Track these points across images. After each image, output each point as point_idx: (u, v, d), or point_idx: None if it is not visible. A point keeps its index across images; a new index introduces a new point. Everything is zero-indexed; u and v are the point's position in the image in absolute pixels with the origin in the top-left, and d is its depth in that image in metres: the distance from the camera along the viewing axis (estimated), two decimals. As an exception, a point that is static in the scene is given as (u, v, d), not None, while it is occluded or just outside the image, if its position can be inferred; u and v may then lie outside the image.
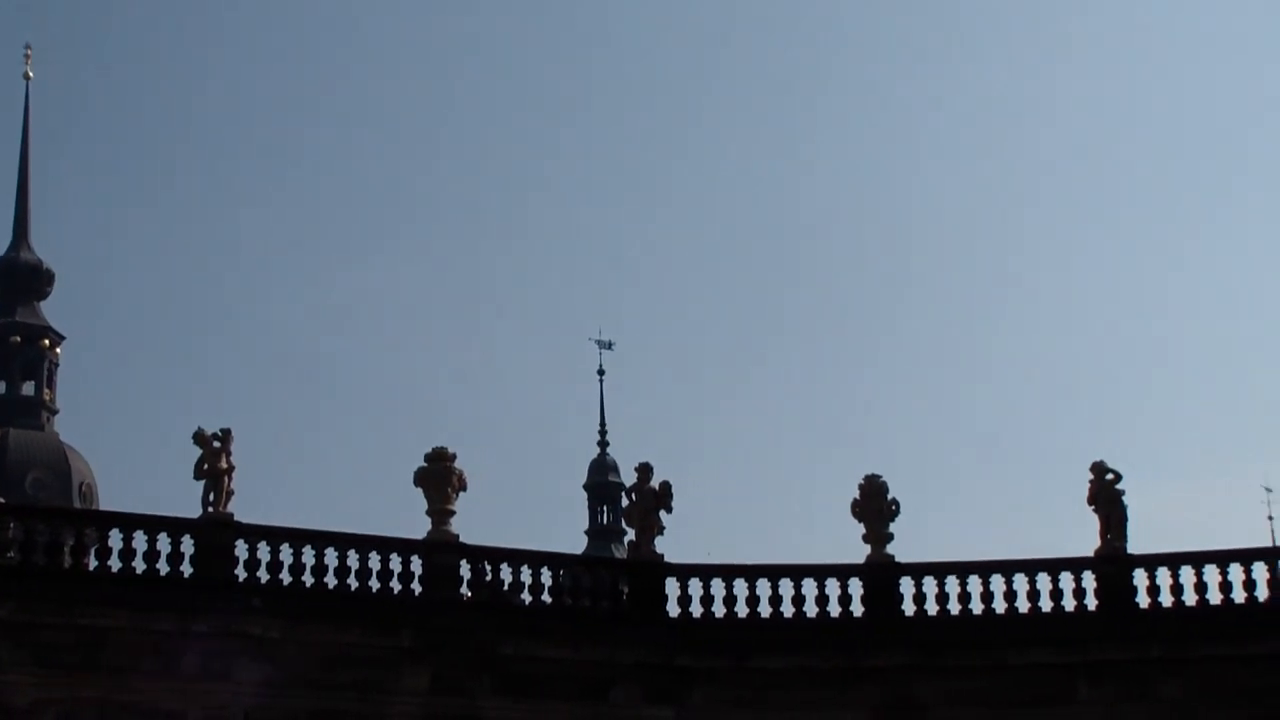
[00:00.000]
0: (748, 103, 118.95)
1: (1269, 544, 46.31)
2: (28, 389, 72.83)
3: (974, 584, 35.56)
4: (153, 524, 32.38)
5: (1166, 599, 35.27)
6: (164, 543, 32.25)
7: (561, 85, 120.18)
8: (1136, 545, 35.67)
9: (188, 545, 32.35)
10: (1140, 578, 35.37)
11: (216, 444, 32.95)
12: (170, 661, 31.31)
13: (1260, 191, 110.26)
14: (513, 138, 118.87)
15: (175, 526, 32.45)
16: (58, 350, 73.93)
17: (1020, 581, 35.50)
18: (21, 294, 73.51)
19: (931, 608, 35.52)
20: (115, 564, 31.98)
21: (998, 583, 35.55)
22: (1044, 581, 35.54)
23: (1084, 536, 36.07)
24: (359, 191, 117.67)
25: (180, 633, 31.40)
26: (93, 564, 32.28)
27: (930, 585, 35.63)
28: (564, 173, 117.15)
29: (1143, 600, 35.31)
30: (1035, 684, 34.46)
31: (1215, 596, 35.15)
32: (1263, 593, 35.12)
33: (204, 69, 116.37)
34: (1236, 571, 35.17)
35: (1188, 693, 34.12)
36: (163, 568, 32.14)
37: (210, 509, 32.72)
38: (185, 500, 32.98)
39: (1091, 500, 35.90)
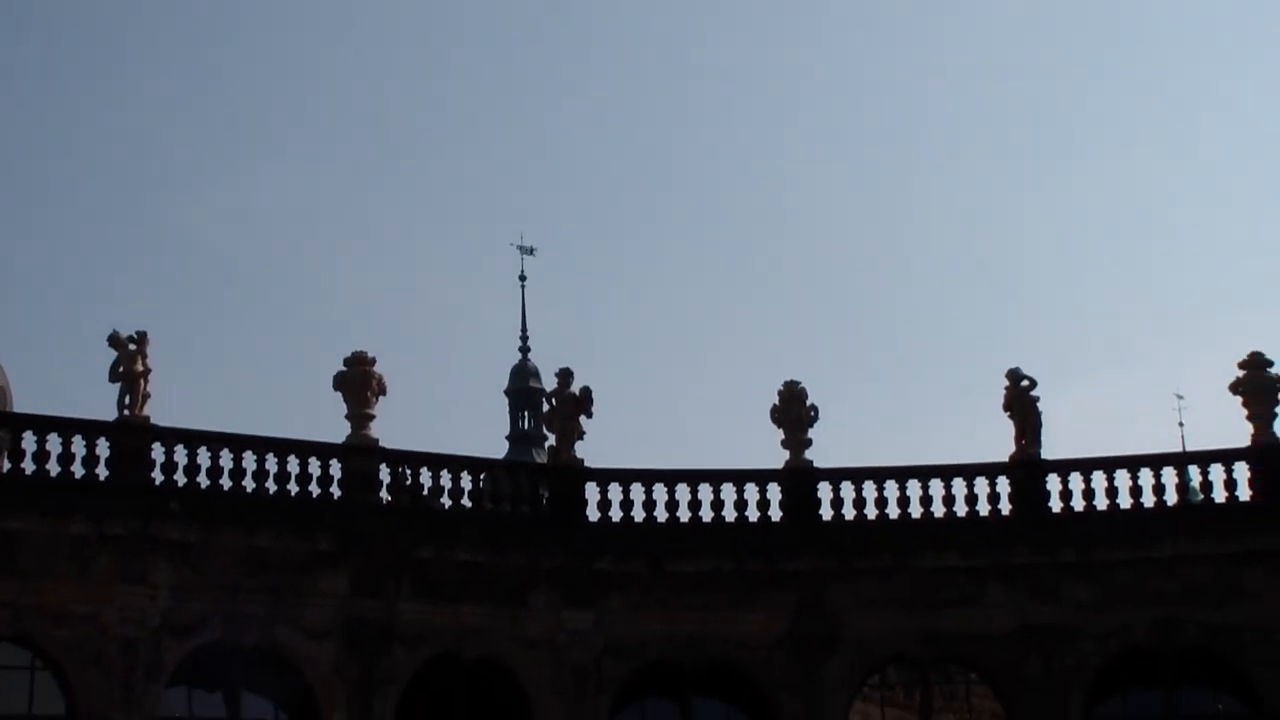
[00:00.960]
0: (668, 3, 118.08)
1: (1179, 449, 47.16)
2: (-62, 291, 71.73)
3: (890, 489, 35.96)
4: (67, 426, 32.03)
5: (1079, 503, 35.81)
6: (79, 446, 31.94)
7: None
8: (1050, 450, 36.27)
9: (103, 448, 32.05)
10: (1053, 483, 35.90)
11: (132, 347, 32.62)
12: (85, 565, 31.12)
13: (1162, 80, 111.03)
14: (432, 34, 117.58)
15: (90, 429, 32.13)
16: (-31, 251, 72.77)
17: (936, 487, 35.93)
18: (-69, 196, 72.17)
19: (849, 512, 35.89)
20: (29, 466, 31.63)
21: (914, 488, 35.96)
22: (959, 487, 36.01)
23: (1000, 441, 36.67)
24: (275, 92, 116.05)
25: (95, 536, 31.20)
26: (6, 467, 31.99)
27: (847, 490, 35.99)
28: (485, 78, 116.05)
29: (1055, 505, 35.83)
30: (948, 586, 35.01)
31: (1126, 501, 35.74)
32: (1171, 497, 35.78)
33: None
34: (1147, 476, 35.76)
35: (1096, 595, 34.79)
36: (78, 471, 31.85)
37: (126, 412, 32.43)
38: (101, 403, 32.66)
39: (1007, 406, 36.32)
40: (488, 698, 34.03)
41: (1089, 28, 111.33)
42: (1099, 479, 35.84)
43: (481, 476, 35.39)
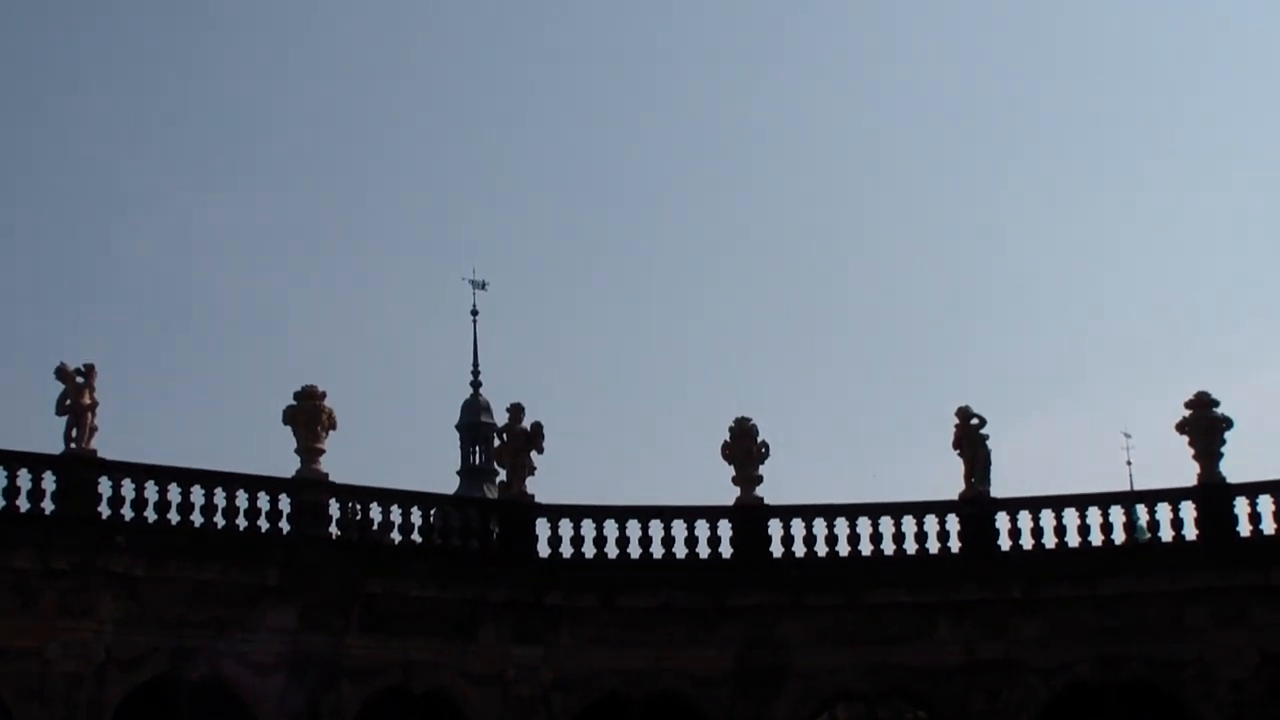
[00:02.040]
0: (619, 30, 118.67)
1: (1126, 488, 47.55)
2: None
3: (841, 526, 36.09)
4: (13, 459, 31.77)
5: (1027, 541, 36.04)
6: (25, 479, 31.68)
7: (434, 10, 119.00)
8: (999, 487, 36.50)
9: (49, 481, 31.80)
10: (1002, 520, 36.13)
11: (79, 379, 32.45)
12: (29, 599, 30.85)
13: (1113, 120, 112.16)
14: (383, 66, 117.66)
15: (36, 462, 31.89)
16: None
17: (886, 524, 36.08)
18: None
19: (799, 549, 36.01)
20: (-27, 500, 31.38)
21: (864, 525, 36.10)
22: (909, 524, 36.17)
23: (950, 479, 36.88)
24: (223, 118, 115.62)
25: (40, 570, 30.94)
26: (-50, 500, 31.65)
27: (798, 527, 36.12)
28: (438, 110, 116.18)
29: (1004, 542, 36.05)
30: (897, 622, 35.16)
31: (1074, 539, 36.00)
32: (1119, 535, 36.04)
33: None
34: (1094, 515, 36.04)
35: (1043, 631, 35.00)
36: (23, 504, 31.58)
37: (73, 445, 32.23)
38: (47, 436, 32.42)
39: (956, 444, 36.56)
40: (436, 733, 33.89)
41: (1036, 62, 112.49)
42: (1047, 517, 36.08)
43: (432, 511, 35.34)
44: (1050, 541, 35.95)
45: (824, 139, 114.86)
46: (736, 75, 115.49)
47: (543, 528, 35.64)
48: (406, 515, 34.73)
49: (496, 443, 37.23)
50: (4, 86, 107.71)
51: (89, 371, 32.55)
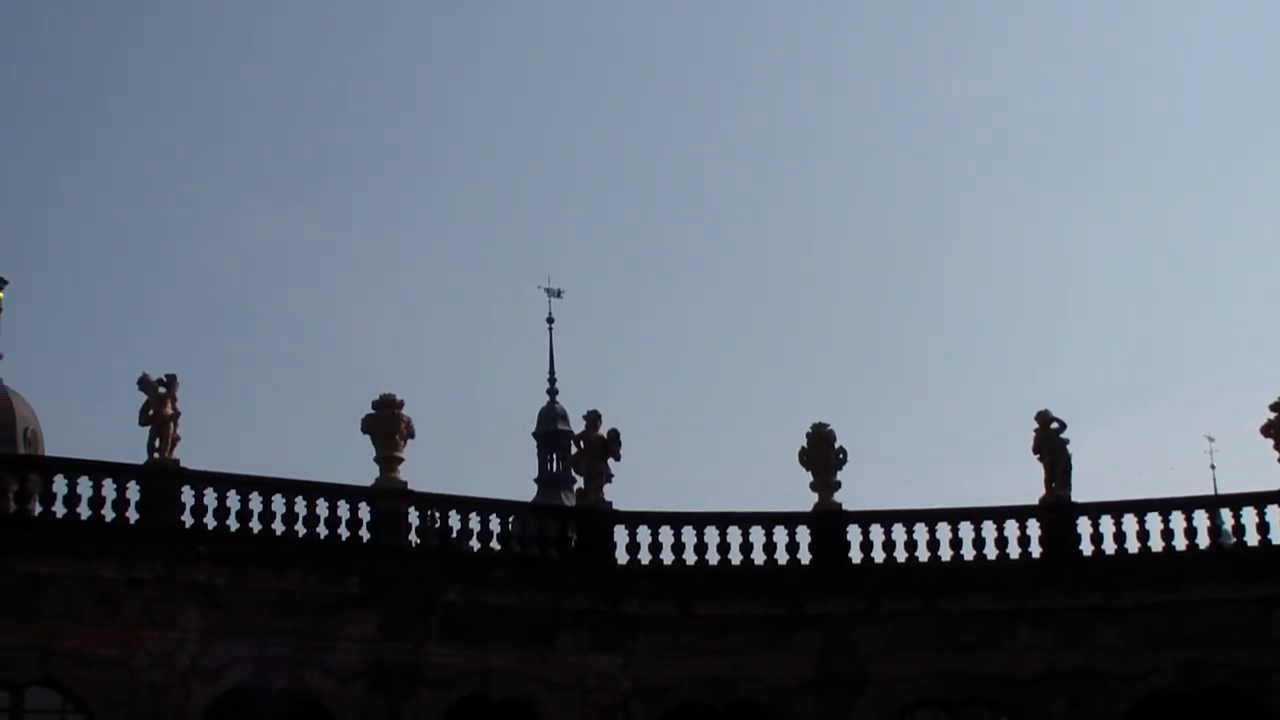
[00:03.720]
0: (692, 41, 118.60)
1: (1210, 492, 46.99)
2: (-30, 335, 71.89)
3: (920, 532, 35.87)
4: (97, 470, 32.17)
5: (1109, 546, 35.67)
6: (109, 489, 32.06)
7: (508, 19, 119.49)
8: (1080, 492, 36.13)
9: (133, 491, 32.15)
10: (1084, 525, 35.77)
11: (161, 390, 32.78)
12: (114, 609, 31.19)
13: (1196, 119, 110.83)
14: (457, 75, 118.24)
15: (120, 472, 32.26)
16: (0, 295, 73.09)
17: (966, 529, 35.84)
18: (-37, 240, 72.57)
19: (878, 555, 35.80)
20: (59, 510, 31.75)
21: (943, 531, 35.89)
22: (989, 529, 35.90)
23: (1030, 484, 36.59)
24: (302, 133, 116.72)
25: (124, 579, 31.27)
26: (37, 510, 32.04)
27: (877, 533, 35.92)
28: (512, 118, 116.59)
29: (1086, 548, 35.69)
30: (976, 629, 34.87)
31: (1157, 544, 35.58)
32: (1203, 540, 35.57)
33: (137, 17, 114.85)
34: (1178, 519, 35.61)
35: (1125, 638, 34.61)
36: (107, 514, 31.95)
37: (156, 455, 32.55)
38: (131, 446, 32.77)
39: (1036, 449, 36.23)
40: (515, 741, 33.96)
41: (1116, 58, 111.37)
42: (1130, 521, 35.69)
43: (510, 519, 35.38)
44: (1133, 547, 35.55)
45: (898, 146, 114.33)
46: (814, 82, 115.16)
47: (620, 535, 35.63)
48: (485, 523, 34.82)
49: (573, 450, 37.28)
50: (81, 110, 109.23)
51: (171, 382, 32.86)
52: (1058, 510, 35.77)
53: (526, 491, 77.39)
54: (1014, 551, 35.73)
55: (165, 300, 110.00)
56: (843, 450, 36.23)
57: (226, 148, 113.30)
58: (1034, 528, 35.84)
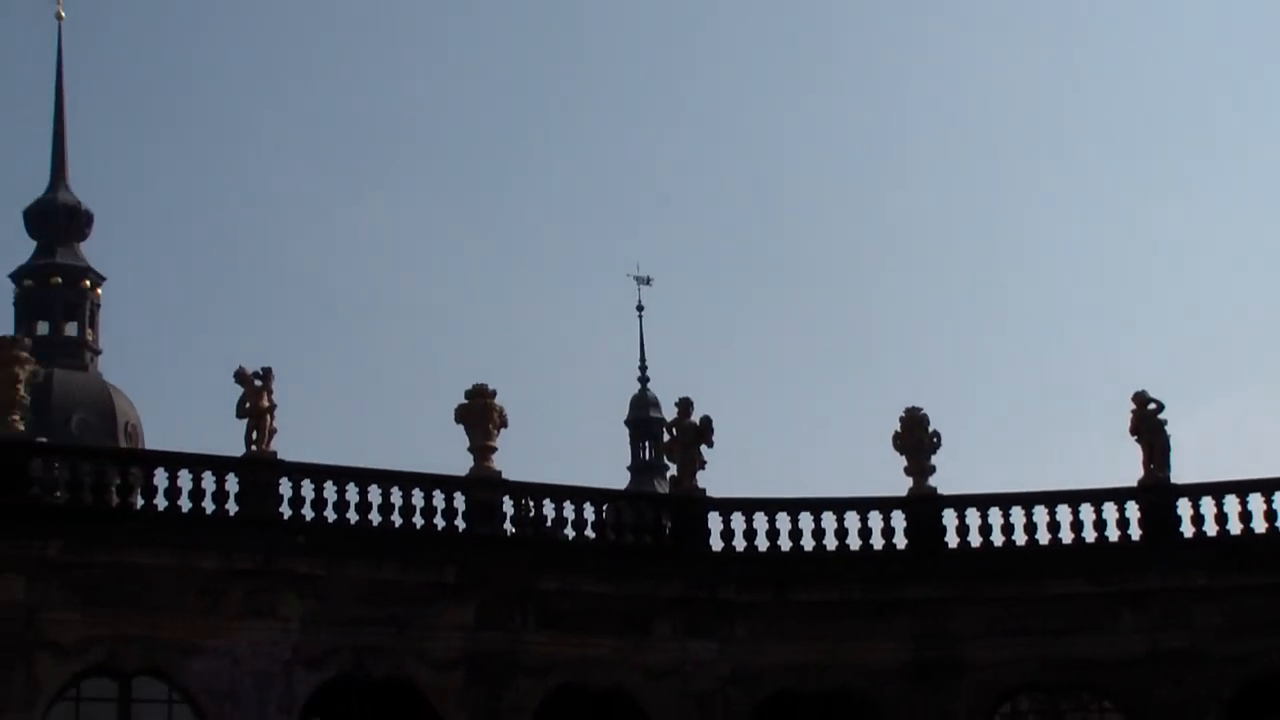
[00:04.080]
0: (781, 31, 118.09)
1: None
2: (70, 330, 73.06)
3: (1017, 515, 35.57)
4: (197, 463, 32.54)
5: (1211, 528, 35.20)
6: (209, 481, 32.40)
7: (598, 10, 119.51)
8: (1179, 473, 35.67)
9: (232, 484, 32.47)
10: (1184, 507, 35.31)
11: (258, 382, 33.05)
12: (216, 599, 31.57)
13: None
14: (546, 65, 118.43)
15: (219, 465, 32.60)
16: (99, 291, 74.10)
17: (1063, 512, 35.49)
18: (61, 235, 73.49)
19: (974, 539, 35.55)
20: (161, 503, 32.15)
21: (1040, 514, 35.56)
22: (1087, 512, 35.53)
23: (1128, 466, 36.15)
24: (386, 123, 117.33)
25: (225, 570, 31.65)
26: (138, 503, 32.53)
27: (973, 517, 35.65)
28: (601, 107, 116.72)
29: (1187, 529, 35.25)
30: (1076, 613, 34.54)
31: (1259, 525, 35.06)
32: (1308, 520, 35.02)
33: (231, 16, 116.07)
34: (1281, 500, 35.08)
35: (1229, 620, 34.14)
36: (208, 506, 32.28)
37: (253, 447, 32.87)
38: (229, 438, 33.10)
39: (1134, 430, 35.81)
40: (614, 728, 34.03)
41: (1202, 53, 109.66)
42: (1231, 503, 35.20)
43: (604, 507, 35.40)
44: (1235, 528, 35.06)
45: (989, 130, 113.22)
46: (898, 70, 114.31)
47: (715, 522, 35.56)
48: (579, 511, 34.87)
49: (666, 438, 37.25)
50: (175, 109, 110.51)
51: (266, 375, 33.11)
52: (1157, 492, 35.33)
53: (620, 479, 77.52)
54: (1113, 534, 35.34)
55: (261, 294, 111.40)
56: (937, 434, 35.96)
57: (321, 140, 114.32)
58: (1133, 510, 35.42)
